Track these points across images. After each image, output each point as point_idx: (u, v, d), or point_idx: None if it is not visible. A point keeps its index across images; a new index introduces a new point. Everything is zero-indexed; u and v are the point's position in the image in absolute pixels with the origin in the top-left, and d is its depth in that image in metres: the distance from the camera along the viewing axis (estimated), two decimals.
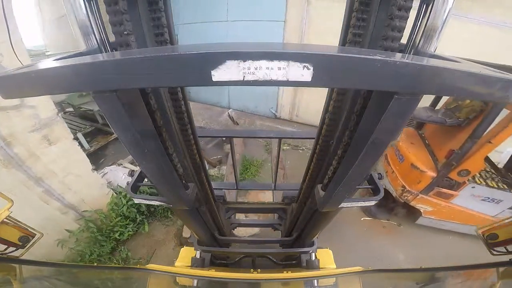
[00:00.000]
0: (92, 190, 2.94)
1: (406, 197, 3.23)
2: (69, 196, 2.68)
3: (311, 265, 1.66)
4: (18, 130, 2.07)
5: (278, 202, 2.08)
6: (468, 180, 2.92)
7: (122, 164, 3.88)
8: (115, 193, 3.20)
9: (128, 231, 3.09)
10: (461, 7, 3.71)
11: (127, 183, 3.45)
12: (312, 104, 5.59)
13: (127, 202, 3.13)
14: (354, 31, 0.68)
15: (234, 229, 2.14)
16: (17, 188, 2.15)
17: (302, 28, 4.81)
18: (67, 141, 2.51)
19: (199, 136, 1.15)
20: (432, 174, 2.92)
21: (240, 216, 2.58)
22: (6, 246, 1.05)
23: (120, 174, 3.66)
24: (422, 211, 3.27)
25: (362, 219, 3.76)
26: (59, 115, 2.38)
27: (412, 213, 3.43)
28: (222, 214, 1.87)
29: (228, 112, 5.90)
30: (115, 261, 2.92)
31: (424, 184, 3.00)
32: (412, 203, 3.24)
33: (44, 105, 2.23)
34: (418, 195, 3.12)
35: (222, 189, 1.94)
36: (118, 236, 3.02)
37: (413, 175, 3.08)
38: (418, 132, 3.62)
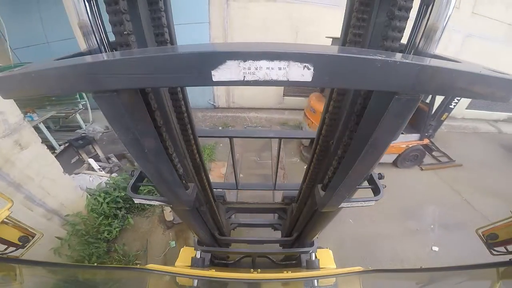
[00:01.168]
0: (68, 193, 2.92)
1: None
2: (49, 200, 2.65)
3: (311, 265, 1.66)
4: None
5: (278, 202, 2.08)
6: None
7: (79, 173, 3.87)
8: (89, 194, 3.22)
9: (115, 228, 3.12)
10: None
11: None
12: (245, 90, 6.25)
13: (104, 200, 3.19)
14: (354, 31, 0.68)
15: (234, 229, 2.14)
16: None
17: (224, 26, 5.65)
18: (36, 145, 2.49)
19: (199, 136, 1.15)
20: None
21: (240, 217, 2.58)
22: (6, 246, 1.05)
23: (87, 177, 3.71)
24: None
25: (305, 167, 4.48)
26: (25, 119, 2.38)
27: None
28: (222, 214, 1.87)
29: None
30: (116, 257, 2.94)
31: None
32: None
33: (10, 110, 2.20)
34: None
35: (222, 189, 1.94)
36: (107, 235, 3.05)
37: None
38: (322, 94, 4.91)
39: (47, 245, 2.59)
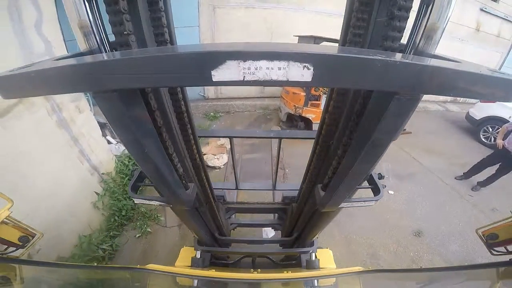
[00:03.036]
0: (105, 154, 3.52)
1: (299, 111, 5.70)
2: (93, 157, 3.21)
3: (311, 265, 1.66)
4: (64, 100, 2.73)
5: (278, 202, 2.08)
6: (322, 93, 5.39)
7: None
8: (117, 159, 3.83)
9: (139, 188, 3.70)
10: (297, 3, 6.97)
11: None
12: None
13: (128, 162, 3.85)
14: (354, 31, 0.68)
15: (234, 229, 2.14)
16: (65, 147, 2.80)
17: (212, 29, 6.90)
18: (87, 111, 3.22)
19: (199, 136, 1.15)
20: (303, 93, 5.52)
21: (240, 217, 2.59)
22: (6, 246, 1.05)
23: (113, 146, 4.25)
24: (311, 119, 5.67)
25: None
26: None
27: (308, 123, 5.87)
28: (222, 214, 1.87)
29: None
30: (142, 210, 3.48)
31: (302, 100, 5.56)
32: (303, 114, 5.67)
33: None
34: (303, 108, 5.60)
35: (222, 189, 1.94)
36: None
37: (296, 97, 5.71)
38: None
39: (89, 198, 3.14)
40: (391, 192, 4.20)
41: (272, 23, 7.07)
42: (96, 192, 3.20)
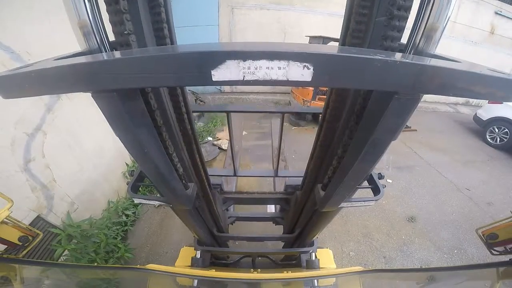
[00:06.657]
0: None
1: (307, 104, 6.03)
2: None
3: (311, 265, 1.66)
4: None
5: (280, 192, 1.99)
6: None
7: None
8: None
9: None
10: (309, 5, 7.52)
11: None
12: None
13: None
14: (354, 31, 0.68)
15: (232, 223, 2.06)
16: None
17: (230, 28, 7.62)
18: None
19: (193, 111, 1.09)
20: (311, 88, 5.71)
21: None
22: (6, 246, 1.05)
23: None
24: None
25: (293, 128, 6.60)
26: None
27: (315, 116, 6.20)
28: (219, 205, 1.78)
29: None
30: None
31: (311, 94, 6.01)
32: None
33: None
34: (311, 102, 6.01)
35: (220, 175, 1.83)
36: None
37: (305, 91, 6.19)
38: None
39: (121, 168, 3.56)
40: (389, 180, 4.37)
41: (285, 24, 7.65)
42: (126, 163, 3.65)
